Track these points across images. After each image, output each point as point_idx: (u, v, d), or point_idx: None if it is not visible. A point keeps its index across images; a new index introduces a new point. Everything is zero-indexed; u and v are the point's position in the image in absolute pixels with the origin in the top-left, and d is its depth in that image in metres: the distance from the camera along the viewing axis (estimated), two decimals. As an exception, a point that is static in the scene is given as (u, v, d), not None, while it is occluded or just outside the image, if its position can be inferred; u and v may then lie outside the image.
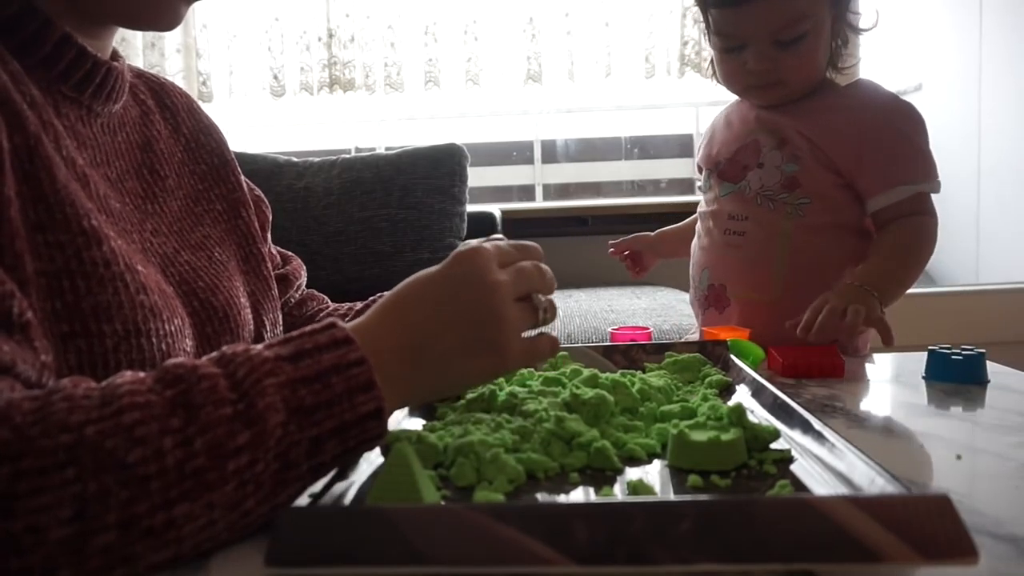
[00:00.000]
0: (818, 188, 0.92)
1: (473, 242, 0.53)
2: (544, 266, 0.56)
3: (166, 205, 0.67)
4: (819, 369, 0.76)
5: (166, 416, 0.38)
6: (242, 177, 0.79)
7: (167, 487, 0.36)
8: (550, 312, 0.55)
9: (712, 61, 1.01)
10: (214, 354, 0.43)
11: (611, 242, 1.16)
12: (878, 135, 0.90)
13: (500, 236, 0.60)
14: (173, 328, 0.57)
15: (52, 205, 0.50)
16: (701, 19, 0.98)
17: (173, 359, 0.42)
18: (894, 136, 0.90)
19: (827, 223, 0.91)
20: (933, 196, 0.91)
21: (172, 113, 0.74)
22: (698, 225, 1.04)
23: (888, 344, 0.80)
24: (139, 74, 0.74)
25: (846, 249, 0.93)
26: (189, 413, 0.38)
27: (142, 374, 0.41)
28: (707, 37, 0.99)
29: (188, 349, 0.59)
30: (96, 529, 0.35)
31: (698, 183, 1.12)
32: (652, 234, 1.15)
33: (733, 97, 1.03)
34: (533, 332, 0.56)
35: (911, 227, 0.89)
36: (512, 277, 0.52)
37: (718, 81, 1.01)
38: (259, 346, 0.43)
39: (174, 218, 0.67)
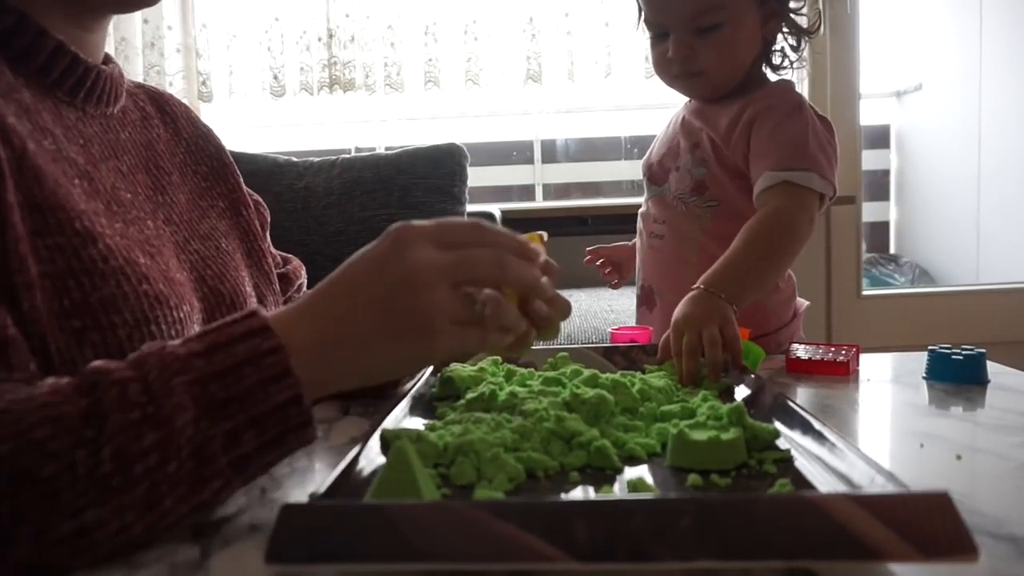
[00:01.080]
0: (724, 192, 0.94)
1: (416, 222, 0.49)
2: (511, 257, 0.48)
3: (174, 197, 0.70)
4: (823, 368, 0.76)
5: (80, 428, 0.38)
6: (241, 179, 0.81)
7: (77, 496, 0.37)
8: (492, 308, 0.47)
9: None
10: (135, 353, 0.43)
11: (588, 249, 1.14)
12: (763, 124, 0.90)
13: (542, 232, 0.58)
14: (182, 315, 0.59)
15: (45, 211, 0.52)
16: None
17: (99, 361, 0.42)
18: (776, 125, 0.90)
19: (735, 227, 0.87)
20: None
21: (172, 119, 0.77)
22: (638, 222, 1.06)
23: (736, 368, 0.71)
24: (139, 85, 0.77)
25: None
26: (99, 422, 0.39)
27: (66, 380, 0.41)
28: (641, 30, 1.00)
29: None
30: (12, 541, 0.36)
31: None
32: (631, 244, 1.11)
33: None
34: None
35: (769, 215, 0.85)
36: (450, 260, 0.46)
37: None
38: (176, 342, 0.43)
39: (183, 209, 0.70)
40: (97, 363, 0.42)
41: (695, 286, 0.78)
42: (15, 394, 0.40)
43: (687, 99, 1.04)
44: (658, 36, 0.95)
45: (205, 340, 0.43)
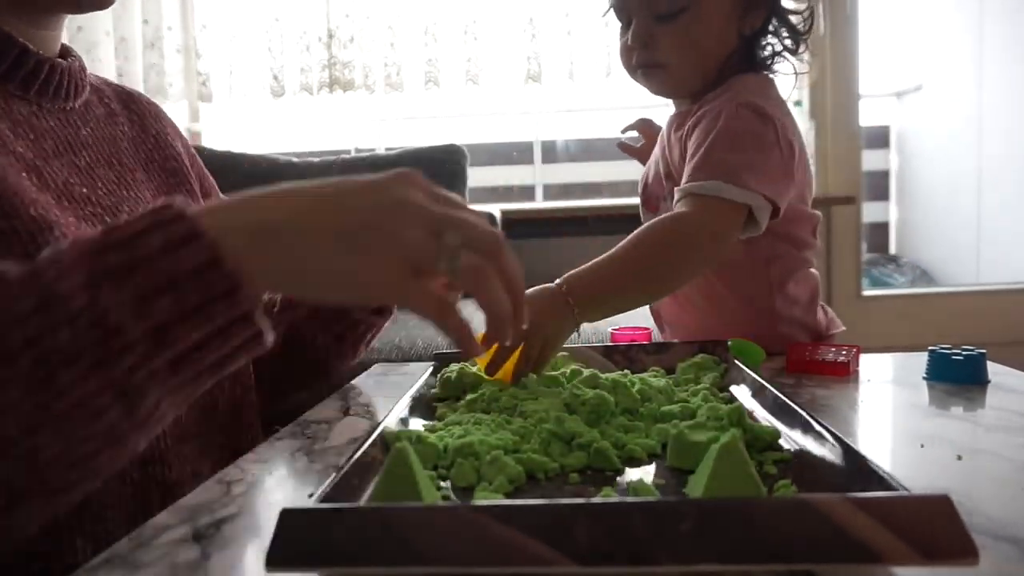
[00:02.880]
0: None
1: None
2: (493, 231, 0.44)
3: (139, 193, 0.69)
4: (825, 368, 0.76)
5: None
6: (209, 183, 0.81)
7: None
8: (463, 274, 0.42)
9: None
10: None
11: (635, 123, 1.03)
12: (698, 132, 0.81)
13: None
14: None
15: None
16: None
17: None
18: (703, 130, 0.80)
19: (733, 253, 0.81)
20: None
21: (139, 117, 0.76)
22: None
23: (534, 371, 0.66)
24: (106, 82, 0.76)
25: (754, 274, 0.87)
26: None
27: None
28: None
29: None
30: None
31: None
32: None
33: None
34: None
35: (664, 223, 0.75)
36: (443, 211, 0.43)
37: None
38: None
39: (148, 204, 0.69)
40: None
41: (558, 281, 0.70)
42: None
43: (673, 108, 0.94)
44: (624, 25, 0.87)
45: (98, 235, 0.39)
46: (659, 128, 0.98)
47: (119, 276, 0.36)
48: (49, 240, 0.52)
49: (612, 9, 0.90)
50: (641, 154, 1.03)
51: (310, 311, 0.77)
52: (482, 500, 0.42)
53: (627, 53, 0.87)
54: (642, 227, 0.76)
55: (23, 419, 0.35)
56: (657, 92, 0.89)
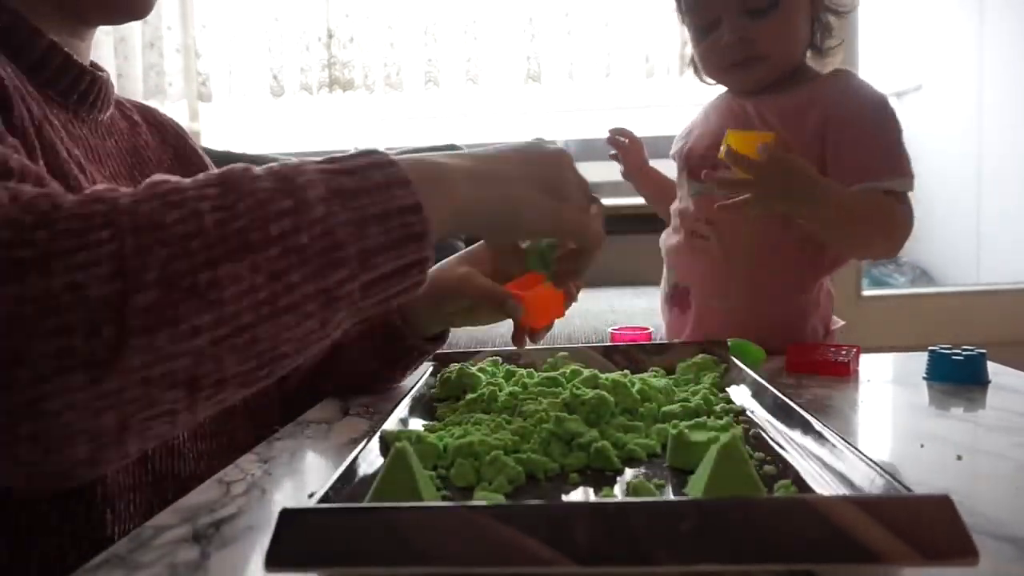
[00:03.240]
0: None
1: None
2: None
3: None
4: (825, 367, 0.76)
5: (201, 187, 0.38)
6: None
7: (208, 246, 0.36)
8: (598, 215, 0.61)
9: (692, 58, 0.99)
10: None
11: (617, 128, 1.10)
12: (851, 130, 0.86)
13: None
14: None
15: (59, 179, 0.52)
16: (677, 11, 0.96)
17: None
18: (866, 131, 0.86)
19: (790, 234, 0.87)
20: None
21: (159, 129, 0.78)
22: (673, 218, 1.01)
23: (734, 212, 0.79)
24: (127, 100, 0.78)
25: (805, 262, 0.91)
26: (226, 186, 0.38)
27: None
28: (684, 24, 0.96)
29: None
30: (136, 287, 0.34)
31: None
32: (644, 158, 1.11)
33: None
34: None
35: (883, 199, 0.84)
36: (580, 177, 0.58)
37: (700, 76, 1.00)
38: None
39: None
40: None
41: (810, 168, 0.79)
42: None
43: (721, 91, 1.00)
44: (705, 26, 0.90)
45: (323, 160, 0.43)
46: (638, 138, 1.09)
47: (349, 199, 0.40)
48: None
49: (691, 13, 0.91)
50: (628, 154, 1.09)
51: (361, 334, 0.76)
52: (482, 500, 0.42)
53: (720, 52, 0.90)
54: (876, 197, 0.83)
55: (255, 308, 0.37)
56: (749, 86, 0.93)
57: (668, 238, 1.02)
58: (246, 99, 2.38)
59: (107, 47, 2.29)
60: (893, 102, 0.93)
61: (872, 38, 2.50)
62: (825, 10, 0.92)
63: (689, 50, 1.00)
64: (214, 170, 0.40)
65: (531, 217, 0.52)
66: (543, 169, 0.53)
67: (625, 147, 1.09)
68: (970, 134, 2.85)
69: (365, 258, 0.40)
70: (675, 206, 1.00)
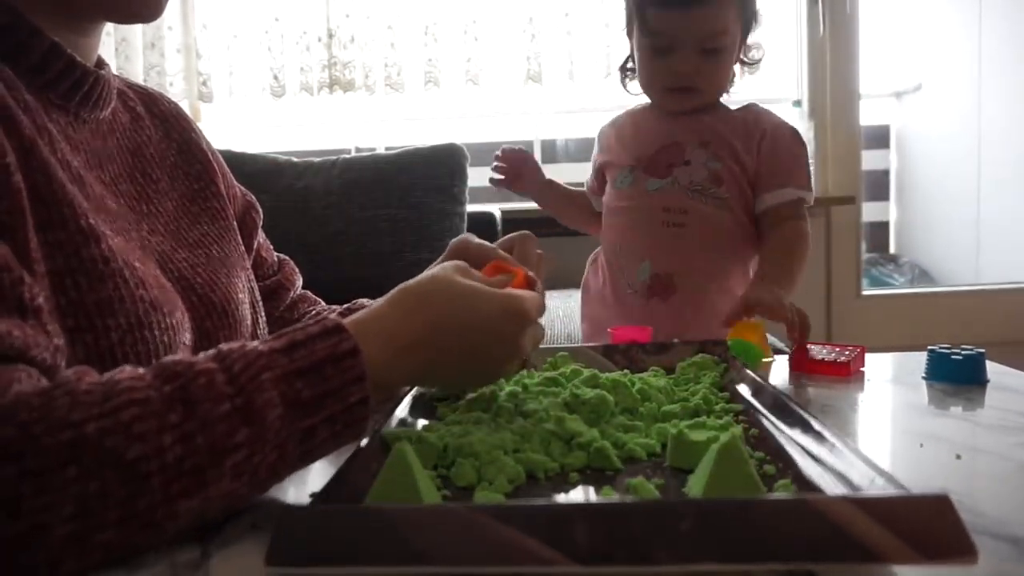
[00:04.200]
0: (736, 184, 1.03)
1: (528, 294, 0.58)
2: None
3: (161, 206, 0.68)
4: (825, 367, 0.76)
5: (165, 412, 0.38)
6: (224, 181, 0.79)
7: (167, 483, 0.37)
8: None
9: (626, 67, 1.12)
10: (211, 351, 0.43)
11: (505, 149, 1.19)
12: (777, 144, 1.04)
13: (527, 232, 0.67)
14: (174, 321, 0.58)
15: (51, 205, 0.52)
16: (627, 27, 1.08)
17: (171, 356, 0.43)
18: (788, 148, 1.04)
19: (744, 216, 1.04)
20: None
21: (162, 120, 0.75)
22: (616, 219, 1.09)
23: (802, 338, 0.84)
24: (128, 84, 0.75)
25: (750, 237, 1.06)
26: (187, 408, 0.39)
27: (141, 370, 0.41)
28: (633, 40, 1.07)
29: (187, 343, 0.61)
30: (97, 526, 0.36)
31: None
32: (544, 176, 1.21)
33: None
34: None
35: (796, 232, 1.01)
36: (528, 343, 0.58)
37: (625, 85, 1.13)
38: (254, 342, 0.44)
39: (170, 218, 0.68)
40: (172, 357, 0.42)
41: (761, 282, 0.93)
42: (93, 377, 0.40)
43: (629, 109, 1.14)
44: (661, 49, 1.02)
45: (283, 339, 0.44)
46: (532, 159, 1.19)
47: (305, 409, 0.42)
48: (95, 254, 0.53)
49: (651, 35, 1.02)
50: (527, 174, 1.20)
51: None
52: (482, 500, 0.42)
53: (666, 76, 1.03)
54: (783, 235, 1.01)
55: (203, 519, 0.40)
56: (678, 108, 1.07)
57: (626, 236, 1.08)
58: (246, 99, 2.38)
59: (108, 47, 2.29)
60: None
61: (872, 38, 2.50)
62: (742, 63, 1.09)
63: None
64: (175, 363, 0.41)
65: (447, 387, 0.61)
66: (484, 356, 0.56)
67: (519, 170, 1.19)
68: (970, 134, 2.85)
69: (306, 456, 0.43)
70: (622, 204, 1.09)
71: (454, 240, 0.73)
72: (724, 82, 1.06)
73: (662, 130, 1.08)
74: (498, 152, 1.20)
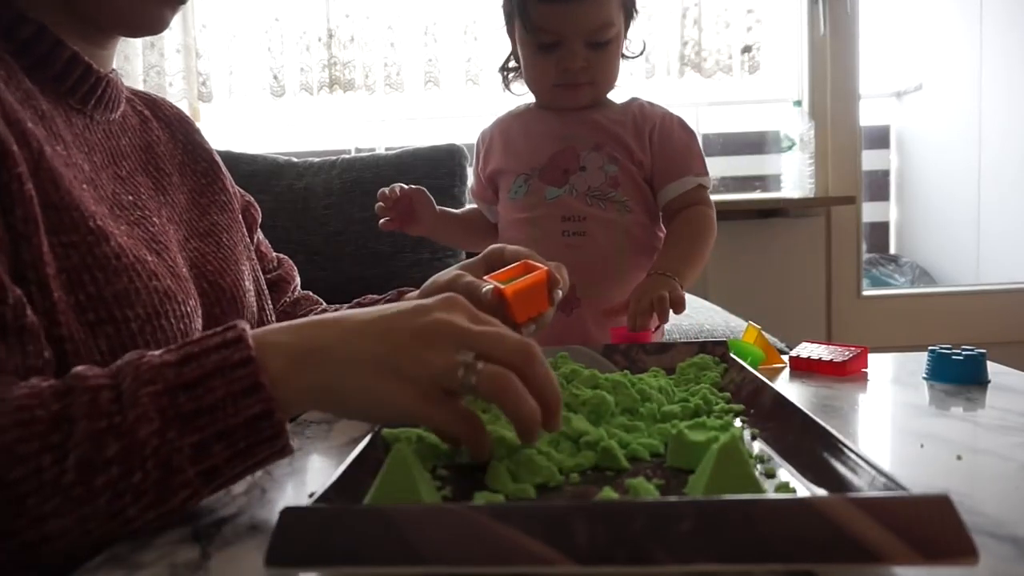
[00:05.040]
0: (634, 184, 1.01)
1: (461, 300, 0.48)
2: (523, 341, 0.45)
3: (174, 197, 0.73)
4: (825, 367, 0.76)
5: (48, 433, 0.39)
6: (227, 179, 0.84)
7: (41, 503, 0.38)
8: (485, 387, 0.42)
9: (508, 69, 1.09)
10: (121, 359, 0.44)
11: (397, 187, 1.07)
12: (666, 135, 1.02)
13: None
14: (188, 309, 0.62)
15: (60, 211, 0.54)
16: (506, 25, 1.04)
17: (80, 367, 0.43)
18: (679, 138, 1.03)
19: (645, 216, 1.02)
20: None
21: (167, 123, 0.79)
22: (513, 232, 1.03)
23: (678, 312, 0.86)
24: (134, 91, 0.79)
25: (653, 235, 1.04)
26: (69, 427, 0.39)
27: (46, 384, 0.42)
28: (515, 38, 1.03)
29: (198, 329, 0.64)
30: None
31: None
32: (436, 207, 1.08)
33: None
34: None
35: (697, 216, 1.00)
36: (477, 330, 0.45)
37: (509, 86, 1.09)
38: (157, 352, 0.44)
39: (183, 209, 0.73)
40: (80, 368, 0.43)
41: (654, 272, 0.91)
42: (2, 392, 0.41)
43: (513, 110, 1.09)
44: (547, 45, 0.98)
45: (182, 350, 0.43)
46: (423, 195, 1.07)
47: (188, 424, 0.41)
48: (107, 251, 0.56)
49: (535, 31, 0.98)
50: (422, 211, 1.07)
51: None
52: (482, 500, 0.42)
53: (555, 73, 0.99)
54: (687, 221, 1.00)
55: (92, 543, 0.39)
56: (573, 104, 1.03)
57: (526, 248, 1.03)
58: (246, 99, 2.38)
59: (107, 47, 2.29)
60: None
61: (872, 38, 2.50)
62: (623, 56, 1.06)
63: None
64: (75, 376, 0.42)
65: (375, 409, 0.46)
66: (392, 334, 0.44)
67: (410, 212, 1.07)
68: (971, 134, 2.85)
69: (209, 474, 0.41)
70: (520, 216, 1.03)
71: (488, 248, 0.76)
72: (614, 75, 1.03)
73: (553, 133, 1.03)
74: (384, 190, 1.06)
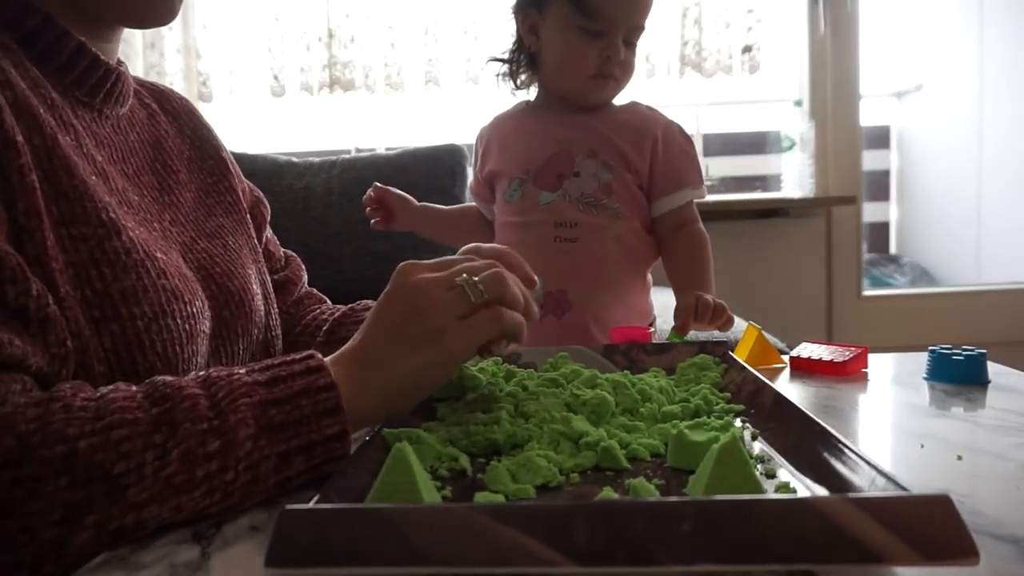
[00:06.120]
0: (628, 192, 1.00)
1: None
2: (495, 264, 0.56)
3: (181, 197, 0.71)
4: (825, 368, 0.76)
5: (150, 433, 0.42)
6: (236, 176, 0.82)
7: (140, 492, 0.40)
8: (486, 286, 0.53)
9: (511, 61, 1.07)
10: (201, 374, 0.47)
11: (376, 186, 1.14)
12: (670, 147, 1.02)
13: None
14: (195, 310, 0.61)
15: (72, 200, 0.54)
16: (519, 13, 1.04)
17: (161, 377, 0.46)
18: (680, 148, 1.03)
19: (638, 223, 1.02)
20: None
21: (175, 116, 0.78)
22: (507, 235, 1.04)
23: (725, 328, 0.89)
24: (141, 82, 0.78)
25: (651, 246, 1.04)
26: (171, 430, 0.42)
27: (133, 388, 0.44)
28: (537, 26, 1.02)
29: (206, 331, 0.63)
30: (77, 529, 0.39)
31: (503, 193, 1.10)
32: (416, 203, 1.13)
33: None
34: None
35: (698, 238, 1.02)
36: (440, 271, 0.54)
37: (515, 78, 1.06)
38: (241, 370, 0.47)
39: (189, 208, 0.72)
40: (164, 377, 0.46)
41: (692, 291, 0.90)
42: (88, 392, 0.43)
43: (511, 110, 1.09)
44: (593, 33, 0.96)
45: (268, 372, 0.47)
46: (398, 194, 1.12)
47: (277, 434, 0.45)
48: (116, 246, 0.55)
49: (589, 15, 0.95)
50: (404, 210, 1.13)
51: None
52: (482, 500, 0.42)
53: (596, 62, 0.97)
54: (693, 242, 1.01)
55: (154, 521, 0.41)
56: (597, 100, 1.02)
57: (519, 252, 1.05)
58: (246, 99, 2.38)
59: (107, 47, 2.29)
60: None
61: (872, 38, 2.50)
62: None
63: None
64: (165, 384, 0.45)
65: (425, 383, 0.53)
66: (403, 314, 0.52)
67: (391, 209, 1.13)
68: (970, 134, 2.85)
69: (285, 484, 0.46)
70: (514, 219, 1.04)
71: (464, 247, 0.74)
72: (631, 75, 1.03)
73: (549, 135, 1.03)
74: (370, 192, 1.14)
